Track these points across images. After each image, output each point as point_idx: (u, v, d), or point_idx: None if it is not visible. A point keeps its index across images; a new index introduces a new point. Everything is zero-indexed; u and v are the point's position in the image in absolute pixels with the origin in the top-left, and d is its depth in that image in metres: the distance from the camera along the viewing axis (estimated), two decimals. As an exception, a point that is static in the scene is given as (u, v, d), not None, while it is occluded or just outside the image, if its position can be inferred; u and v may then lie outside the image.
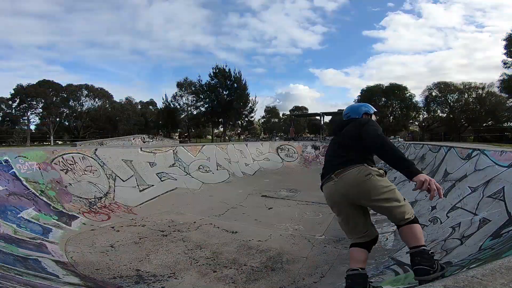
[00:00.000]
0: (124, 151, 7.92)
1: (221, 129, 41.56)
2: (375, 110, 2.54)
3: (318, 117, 35.56)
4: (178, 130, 49.35)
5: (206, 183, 9.25)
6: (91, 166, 6.62)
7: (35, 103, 35.91)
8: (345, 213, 2.18)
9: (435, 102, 35.07)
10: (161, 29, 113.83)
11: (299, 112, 53.90)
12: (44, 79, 37.46)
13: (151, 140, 21.27)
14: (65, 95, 38.00)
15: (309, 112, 52.42)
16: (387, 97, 36.90)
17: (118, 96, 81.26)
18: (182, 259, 3.77)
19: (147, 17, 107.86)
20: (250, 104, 35.35)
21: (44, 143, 36.69)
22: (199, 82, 35.45)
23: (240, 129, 51.11)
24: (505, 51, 25.58)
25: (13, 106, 35.77)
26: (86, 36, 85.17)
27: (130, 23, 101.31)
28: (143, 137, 21.00)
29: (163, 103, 40.54)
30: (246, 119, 37.22)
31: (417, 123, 40.82)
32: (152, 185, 7.52)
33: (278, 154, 15.66)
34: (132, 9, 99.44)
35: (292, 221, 5.71)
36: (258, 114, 59.73)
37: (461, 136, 31.68)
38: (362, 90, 39.72)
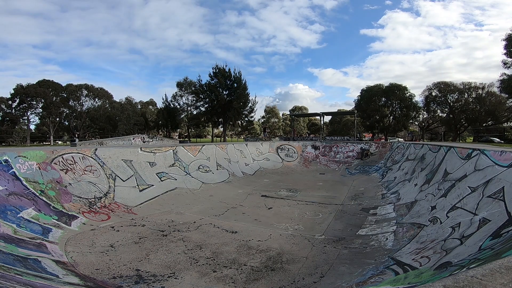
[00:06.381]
0: (124, 151, 7.92)
1: (221, 129, 41.58)
2: None
3: (318, 117, 35.61)
4: (178, 130, 49.39)
5: (206, 183, 9.24)
6: (91, 166, 6.62)
7: (35, 103, 35.87)
8: None
9: (435, 102, 35.12)
10: (157, 28, 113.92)
11: (299, 112, 54.02)
12: (44, 79, 37.46)
13: (151, 140, 21.30)
14: (65, 95, 37.99)
15: (309, 111, 52.61)
16: (387, 97, 36.95)
17: (118, 96, 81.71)
18: (182, 259, 3.77)
19: (143, 16, 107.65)
20: (250, 104, 35.45)
21: (44, 143, 36.66)
22: (199, 82, 35.51)
23: (240, 129, 51.15)
24: (505, 51, 25.47)
25: (13, 106, 35.74)
26: (81, 35, 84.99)
27: (126, 22, 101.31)
28: (143, 137, 21.01)
29: (163, 103, 41.00)
30: (246, 119, 37.31)
31: (417, 123, 40.90)
32: (152, 185, 7.52)
33: (278, 154, 15.63)
34: (128, 7, 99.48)
35: (292, 221, 5.71)
36: (258, 114, 59.97)
37: (460, 136, 31.67)
38: (362, 90, 39.85)
